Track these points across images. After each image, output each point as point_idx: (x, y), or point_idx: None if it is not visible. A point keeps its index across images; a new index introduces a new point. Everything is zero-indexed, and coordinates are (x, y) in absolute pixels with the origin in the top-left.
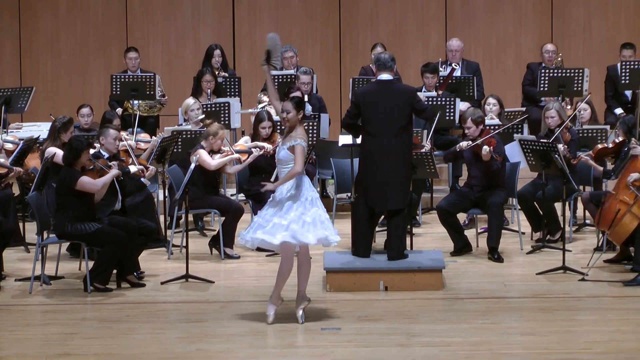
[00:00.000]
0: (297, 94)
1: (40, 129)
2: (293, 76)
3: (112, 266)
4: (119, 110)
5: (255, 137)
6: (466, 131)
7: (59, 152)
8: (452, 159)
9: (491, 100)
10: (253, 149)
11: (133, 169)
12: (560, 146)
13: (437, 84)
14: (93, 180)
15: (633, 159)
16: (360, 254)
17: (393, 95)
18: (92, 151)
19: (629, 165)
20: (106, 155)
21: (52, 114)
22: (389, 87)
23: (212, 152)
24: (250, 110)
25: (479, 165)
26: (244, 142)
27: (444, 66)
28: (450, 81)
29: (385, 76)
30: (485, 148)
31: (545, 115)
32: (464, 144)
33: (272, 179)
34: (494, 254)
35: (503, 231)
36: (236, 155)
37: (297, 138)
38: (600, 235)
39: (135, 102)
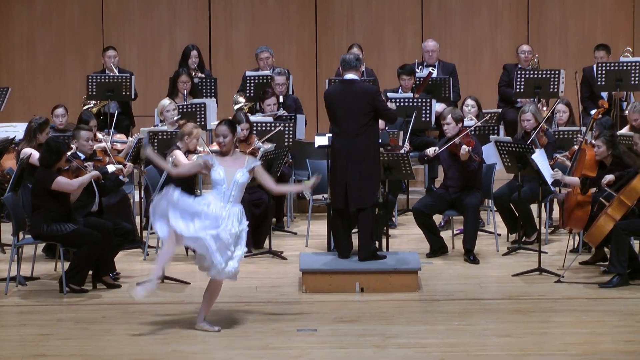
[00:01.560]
0: (272, 99)
1: (15, 130)
2: (269, 77)
3: (87, 267)
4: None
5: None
6: (445, 127)
7: (35, 153)
8: (427, 162)
9: (469, 101)
10: None
11: (112, 168)
12: (538, 150)
13: (414, 86)
14: (69, 180)
15: (581, 153)
16: (340, 255)
17: (354, 94)
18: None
19: (579, 159)
20: (82, 156)
21: (36, 114)
22: (351, 86)
23: (188, 152)
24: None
25: (456, 166)
26: None
27: (420, 67)
28: (430, 82)
29: (349, 76)
30: (465, 148)
31: (521, 118)
32: (430, 150)
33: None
34: (470, 256)
35: (479, 233)
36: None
37: (249, 159)
38: (577, 237)
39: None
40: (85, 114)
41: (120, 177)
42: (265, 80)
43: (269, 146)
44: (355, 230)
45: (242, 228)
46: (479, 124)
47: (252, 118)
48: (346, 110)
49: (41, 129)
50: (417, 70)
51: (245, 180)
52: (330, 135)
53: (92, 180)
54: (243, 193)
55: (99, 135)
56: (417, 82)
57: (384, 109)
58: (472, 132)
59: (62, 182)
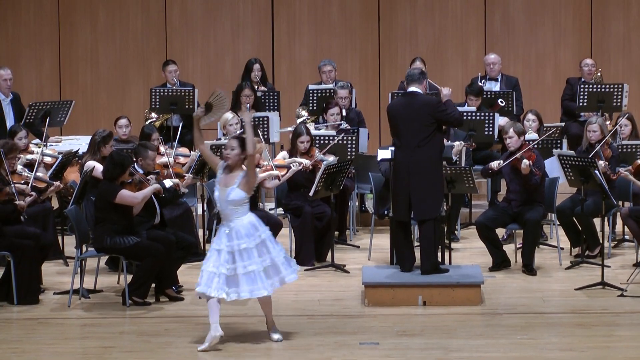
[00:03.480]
0: (335, 109)
1: (79, 143)
2: (331, 90)
3: (150, 280)
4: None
5: (293, 151)
6: (507, 141)
7: (98, 166)
8: (490, 175)
9: (530, 116)
10: (292, 164)
11: (168, 183)
12: (602, 162)
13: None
14: (133, 193)
15: None
16: (402, 269)
17: (416, 106)
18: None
19: None
20: (141, 170)
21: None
22: (413, 99)
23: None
24: (289, 128)
25: (518, 180)
26: (282, 157)
27: (482, 81)
28: (489, 96)
29: (412, 89)
30: (525, 162)
31: (588, 129)
32: (494, 163)
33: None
34: (528, 270)
35: (542, 246)
36: (275, 173)
37: (241, 175)
38: None
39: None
40: (147, 128)
41: (180, 190)
42: (328, 94)
43: (331, 159)
44: (417, 243)
45: (252, 241)
46: (541, 138)
47: (314, 132)
48: (408, 123)
49: (105, 141)
50: (479, 83)
51: (239, 197)
52: (392, 148)
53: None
54: (242, 208)
55: (162, 148)
56: (486, 97)
57: (447, 116)
58: (534, 146)
59: (126, 195)
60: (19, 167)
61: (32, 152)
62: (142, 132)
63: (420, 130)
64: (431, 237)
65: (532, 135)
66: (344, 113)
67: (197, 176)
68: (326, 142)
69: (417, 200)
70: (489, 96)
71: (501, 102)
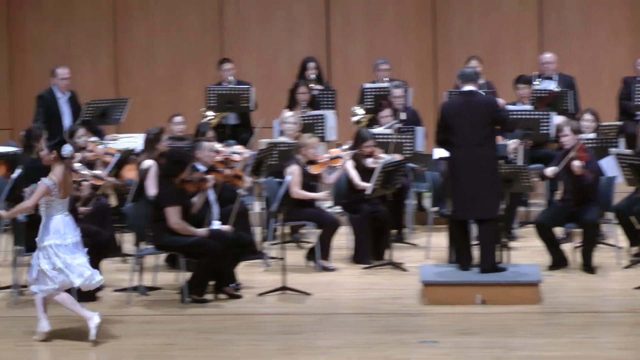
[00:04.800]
0: (387, 111)
1: (135, 141)
2: (386, 89)
3: (208, 278)
4: None
5: (357, 155)
6: (563, 139)
7: (155, 165)
8: (546, 179)
9: (587, 116)
10: (345, 155)
11: (216, 224)
12: None
13: (534, 99)
14: (178, 219)
15: None
16: (460, 267)
17: (474, 105)
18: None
19: None
20: (202, 168)
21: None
22: (471, 98)
23: (308, 163)
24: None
25: (573, 179)
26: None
27: (538, 79)
28: (544, 94)
29: (468, 87)
30: (576, 163)
31: None
32: (548, 171)
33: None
34: (587, 269)
35: (600, 245)
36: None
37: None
38: None
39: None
40: (202, 126)
41: (239, 190)
42: (383, 93)
43: (388, 158)
44: (475, 242)
45: None
46: (593, 137)
47: (373, 131)
48: (467, 122)
49: (157, 138)
50: (535, 82)
51: None
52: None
53: (212, 189)
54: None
55: (217, 146)
56: (537, 95)
57: (504, 118)
58: (590, 145)
59: (171, 213)
60: (77, 165)
61: (89, 150)
62: (197, 131)
63: (480, 129)
64: (491, 236)
65: (589, 135)
66: (400, 114)
67: (255, 176)
68: (385, 141)
69: (478, 200)
70: (542, 95)
71: (555, 88)
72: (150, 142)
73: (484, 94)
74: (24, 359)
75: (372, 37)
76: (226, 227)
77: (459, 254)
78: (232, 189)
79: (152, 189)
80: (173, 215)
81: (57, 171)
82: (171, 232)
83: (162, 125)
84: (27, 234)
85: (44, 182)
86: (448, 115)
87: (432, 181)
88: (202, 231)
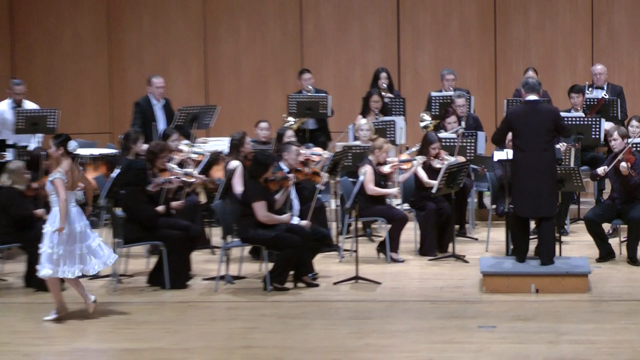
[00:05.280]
0: (452, 117)
1: (223, 144)
2: (451, 97)
3: (289, 268)
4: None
5: (424, 155)
6: (611, 143)
7: (241, 166)
8: (597, 179)
9: (634, 122)
10: (416, 159)
11: (295, 220)
12: None
13: (585, 106)
14: (265, 212)
15: None
16: (517, 259)
17: (539, 114)
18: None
19: None
20: (285, 169)
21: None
22: (536, 106)
23: (379, 164)
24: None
25: (620, 180)
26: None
27: (590, 89)
28: (593, 103)
29: (532, 97)
30: (623, 165)
31: None
32: (600, 170)
33: None
34: (633, 261)
35: None
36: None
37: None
38: None
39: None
40: (282, 130)
41: (317, 185)
42: (448, 100)
43: (452, 159)
44: (533, 236)
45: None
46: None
47: (440, 135)
48: (532, 129)
49: (241, 141)
50: (587, 91)
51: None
52: (508, 150)
53: (294, 188)
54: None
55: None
56: (588, 103)
57: (564, 126)
58: (636, 149)
59: (258, 207)
60: (170, 165)
61: (181, 152)
62: (278, 134)
63: (544, 135)
64: (552, 232)
65: (635, 139)
66: (462, 121)
67: (331, 176)
68: (450, 144)
69: (542, 199)
70: (593, 103)
71: (605, 95)
72: (235, 145)
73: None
74: (121, 340)
75: (439, 49)
76: (305, 222)
77: (516, 247)
78: (310, 188)
79: (238, 187)
80: (260, 209)
81: (65, 165)
82: (256, 227)
83: (247, 130)
84: (124, 228)
85: (57, 176)
86: (514, 121)
87: (491, 181)
88: (285, 217)
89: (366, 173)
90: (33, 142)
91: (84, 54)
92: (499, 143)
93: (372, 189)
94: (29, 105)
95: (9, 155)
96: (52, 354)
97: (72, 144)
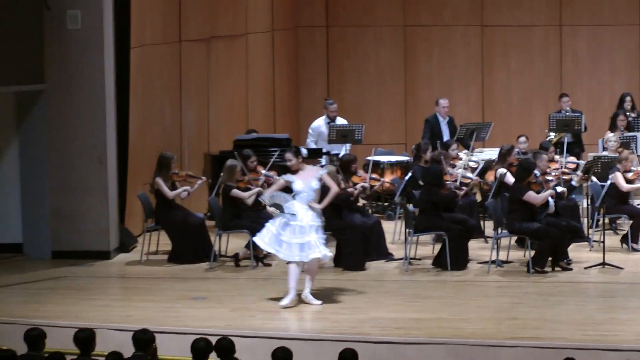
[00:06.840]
0: None
1: (493, 153)
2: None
3: (548, 255)
4: None
5: None
6: None
7: (509, 175)
8: None
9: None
10: None
11: (560, 189)
12: None
13: None
14: (537, 196)
15: None
16: None
17: None
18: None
19: None
20: (537, 173)
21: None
22: None
23: (624, 172)
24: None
25: None
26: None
27: None
28: None
29: None
30: None
31: None
32: None
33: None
34: None
35: None
36: None
37: (317, 171)
38: None
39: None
40: (544, 143)
41: (572, 183)
42: None
43: None
44: None
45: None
46: None
47: None
48: None
49: (509, 152)
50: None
51: (318, 187)
52: None
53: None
54: (318, 196)
55: (556, 157)
56: None
57: None
58: None
59: (532, 196)
60: (451, 170)
61: (460, 159)
62: (540, 146)
63: None
64: None
65: None
66: None
67: (585, 180)
68: None
69: None
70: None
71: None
72: (503, 155)
73: None
74: (411, 311)
75: None
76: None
77: None
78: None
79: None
80: (532, 197)
81: (307, 167)
82: (521, 221)
83: (510, 144)
84: (415, 220)
85: (323, 172)
86: None
87: None
88: (548, 192)
89: (614, 178)
90: (343, 150)
91: (384, 80)
92: None
93: (625, 186)
94: (340, 121)
95: (323, 160)
96: (354, 322)
97: (303, 151)
